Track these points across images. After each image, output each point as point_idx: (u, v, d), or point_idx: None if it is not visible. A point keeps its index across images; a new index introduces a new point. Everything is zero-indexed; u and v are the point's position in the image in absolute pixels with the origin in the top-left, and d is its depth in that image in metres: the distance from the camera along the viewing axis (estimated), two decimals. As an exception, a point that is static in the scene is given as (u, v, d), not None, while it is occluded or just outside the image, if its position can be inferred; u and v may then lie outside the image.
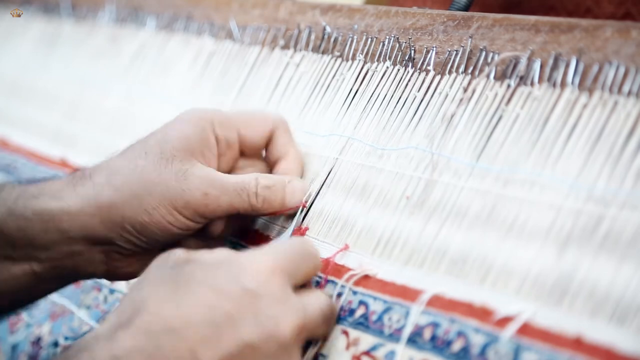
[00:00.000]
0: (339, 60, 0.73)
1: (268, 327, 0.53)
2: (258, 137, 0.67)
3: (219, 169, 0.66)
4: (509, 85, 0.60)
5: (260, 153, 0.69)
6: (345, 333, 0.58)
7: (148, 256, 0.65)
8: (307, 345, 0.58)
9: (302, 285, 0.57)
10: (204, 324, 0.51)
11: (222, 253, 0.56)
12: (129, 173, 0.63)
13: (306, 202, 0.66)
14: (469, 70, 0.63)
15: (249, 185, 0.63)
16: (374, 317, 0.57)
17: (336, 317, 0.59)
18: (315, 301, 0.57)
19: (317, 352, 0.59)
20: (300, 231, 0.66)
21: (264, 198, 0.64)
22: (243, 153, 0.68)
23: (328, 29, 0.75)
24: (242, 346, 0.52)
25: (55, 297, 0.82)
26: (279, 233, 0.68)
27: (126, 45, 0.97)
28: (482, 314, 0.53)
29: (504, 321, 0.51)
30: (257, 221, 0.70)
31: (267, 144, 0.68)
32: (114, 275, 0.66)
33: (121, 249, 0.64)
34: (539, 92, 0.58)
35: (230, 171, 0.68)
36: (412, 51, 0.67)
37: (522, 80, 0.60)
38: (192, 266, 0.54)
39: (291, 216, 0.67)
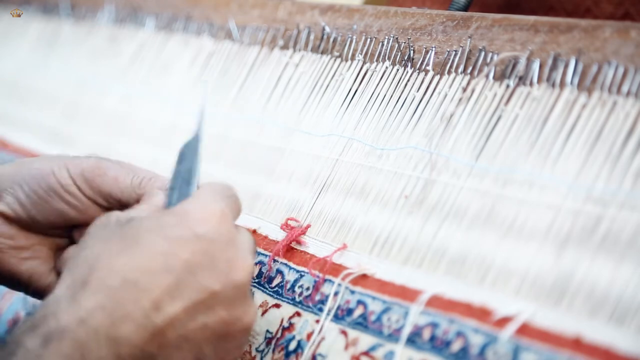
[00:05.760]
0: (338, 60, 0.73)
1: (225, 271, 0.53)
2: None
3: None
4: (508, 85, 0.60)
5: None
6: (344, 333, 0.58)
7: (41, 246, 0.64)
8: None
9: None
10: (163, 273, 0.51)
11: (163, 209, 0.56)
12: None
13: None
14: (468, 71, 0.63)
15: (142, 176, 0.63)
16: (372, 317, 0.57)
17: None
18: (247, 236, 0.57)
19: (315, 352, 0.59)
20: (301, 230, 0.66)
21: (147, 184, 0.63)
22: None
23: (327, 29, 0.75)
24: (204, 293, 0.52)
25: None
26: None
27: (125, 45, 0.97)
28: (481, 314, 0.53)
29: (503, 321, 0.51)
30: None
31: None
32: (9, 278, 0.64)
33: (12, 222, 0.63)
34: (538, 92, 0.58)
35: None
36: (411, 51, 0.67)
37: (521, 80, 0.60)
38: (138, 220, 0.54)
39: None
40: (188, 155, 0.59)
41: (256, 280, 0.66)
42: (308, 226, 0.66)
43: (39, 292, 0.64)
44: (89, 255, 0.53)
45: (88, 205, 0.63)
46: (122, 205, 0.62)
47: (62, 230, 0.65)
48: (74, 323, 0.49)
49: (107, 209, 0.62)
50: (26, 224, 0.64)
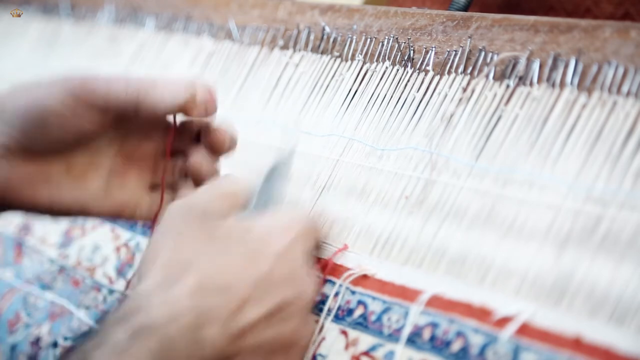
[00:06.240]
0: (338, 60, 0.73)
1: (299, 287, 0.56)
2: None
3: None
4: (508, 86, 0.60)
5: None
6: (344, 333, 0.59)
7: (51, 163, 0.64)
8: None
9: None
10: (250, 284, 0.54)
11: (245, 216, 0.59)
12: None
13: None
14: (468, 71, 0.63)
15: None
16: (373, 317, 0.58)
17: None
18: (314, 278, 0.60)
19: (315, 352, 0.59)
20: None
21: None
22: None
23: (327, 29, 0.75)
24: (280, 303, 0.55)
25: (54, 298, 0.82)
26: None
27: (125, 45, 0.97)
28: (481, 314, 0.53)
29: (503, 321, 0.52)
30: None
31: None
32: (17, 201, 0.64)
33: (20, 146, 0.63)
34: (538, 92, 0.58)
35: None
36: (411, 51, 0.67)
37: (521, 80, 0.60)
38: (225, 226, 0.57)
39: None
40: (278, 172, 0.63)
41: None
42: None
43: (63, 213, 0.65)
44: (181, 252, 0.55)
45: (92, 119, 0.63)
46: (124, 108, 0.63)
47: (71, 149, 0.65)
48: (164, 319, 0.51)
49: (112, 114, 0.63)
50: (30, 152, 0.63)
